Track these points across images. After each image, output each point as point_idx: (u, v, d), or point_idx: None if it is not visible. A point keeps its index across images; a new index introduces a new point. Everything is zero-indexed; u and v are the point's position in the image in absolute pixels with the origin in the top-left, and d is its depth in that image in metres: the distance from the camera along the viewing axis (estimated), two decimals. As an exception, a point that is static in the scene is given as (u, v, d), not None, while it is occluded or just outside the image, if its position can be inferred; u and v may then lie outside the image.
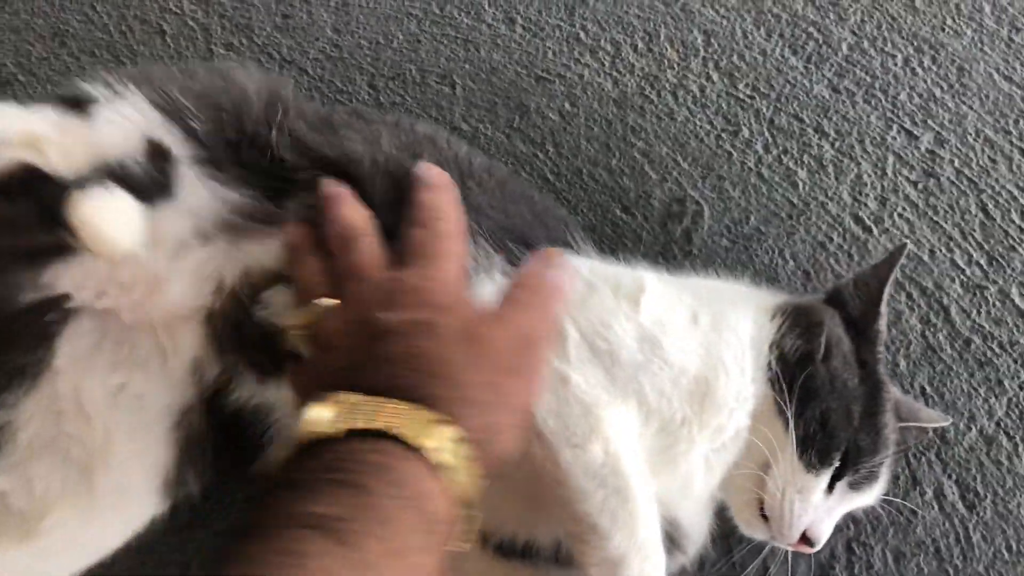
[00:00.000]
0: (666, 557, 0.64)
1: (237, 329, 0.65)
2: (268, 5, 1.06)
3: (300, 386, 0.59)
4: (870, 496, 0.71)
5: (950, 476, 0.82)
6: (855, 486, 0.68)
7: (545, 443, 0.60)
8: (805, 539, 0.66)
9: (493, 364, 0.54)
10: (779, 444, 0.66)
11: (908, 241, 0.91)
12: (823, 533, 0.67)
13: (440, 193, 0.63)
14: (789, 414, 0.66)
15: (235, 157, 0.68)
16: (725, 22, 1.05)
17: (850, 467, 0.67)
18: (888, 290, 0.73)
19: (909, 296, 0.89)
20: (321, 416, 0.48)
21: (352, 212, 0.63)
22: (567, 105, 1.00)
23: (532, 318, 0.58)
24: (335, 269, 0.61)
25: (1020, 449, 0.83)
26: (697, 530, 0.71)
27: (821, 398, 0.67)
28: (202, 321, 0.66)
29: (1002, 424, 0.84)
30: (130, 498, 0.66)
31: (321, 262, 0.62)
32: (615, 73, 1.02)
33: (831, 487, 0.68)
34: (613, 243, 0.93)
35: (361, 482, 0.45)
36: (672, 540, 0.68)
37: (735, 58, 1.02)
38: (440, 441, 0.48)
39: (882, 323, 0.73)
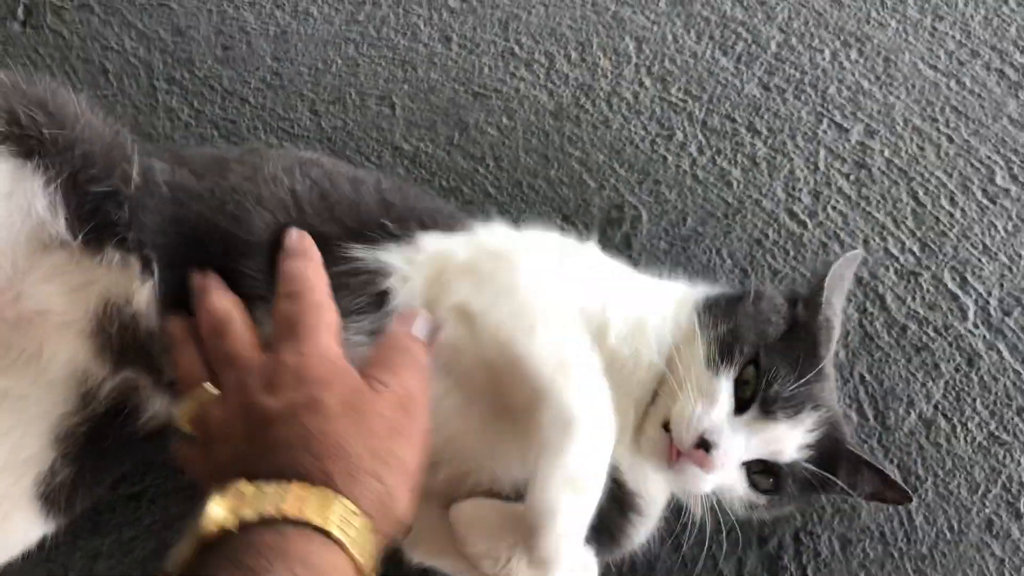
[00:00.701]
0: (627, 520, 0.68)
1: (135, 346, 0.66)
2: (208, 38, 1.07)
3: (195, 474, 0.61)
4: (789, 436, 0.67)
5: (892, 461, 0.84)
6: (768, 411, 0.66)
7: (502, 337, 0.64)
8: (703, 444, 0.64)
9: (380, 431, 0.55)
10: (692, 359, 0.68)
11: (841, 232, 0.93)
12: (724, 445, 0.64)
13: (305, 260, 0.64)
14: (703, 331, 0.69)
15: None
16: (656, 27, 1.07)
17: (762, 384, 0.66)
18: (833, 284, 0.73)
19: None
20: (219, 511, 0.49)
21: (220, 299, 0.64)
22: (505, 119, 1.01)
23: (407, 378, 0.60)
24: (212, 357, 0.62)
25: (958, 430, 0.85)
26: (646, 488, 0.72)
27: (738, 319, 0.70)
28: (84, 333, 0.66)
29: (940, 407, 0.86)
30: (7, 507, 0.66)
31: (200, 352, 0.63)
32: (550, 85, 1.03)
33: (743, 408, 0.67)
34: (555, 252, 0.94)
35: (268, 569, 0.46)
36: (622, 501, 0.70)
37: (667, 63, 1.04)
38: (341, 517, 0.50)
39: (827, 305, 0.72)
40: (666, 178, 0.98)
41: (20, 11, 1.06)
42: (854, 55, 1.04)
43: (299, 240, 0.66)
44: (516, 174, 0.99)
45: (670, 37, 1.06)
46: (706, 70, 1.03)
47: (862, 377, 0.87)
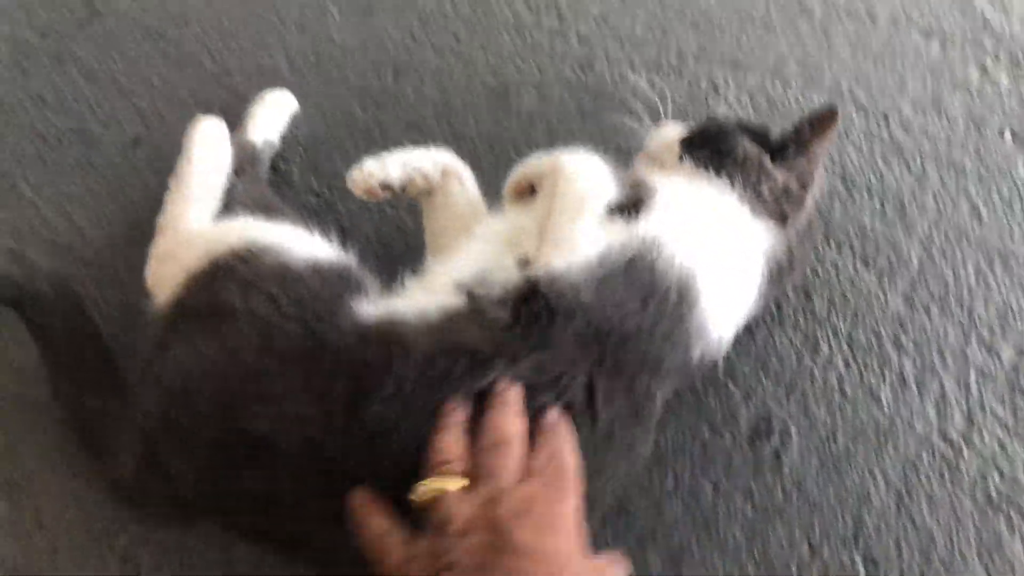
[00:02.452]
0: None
1: None
2: (367, 235, 1.14)
3: (409, 559, 0.64)
4: None
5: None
6: None
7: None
8: None
9: None
10: None
11: (1000, 460, 0.92)
12: None
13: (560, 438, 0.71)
14: None
15: None
16: (797, 238, 1.10)
17: None
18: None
19: (1008, 519, 0.90)
20: None
21: (514, 420, 0.70)
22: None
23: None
24: (477, 461, 0.68)
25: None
26: None
27: None
28: None
29: None
30: None
31: (466, 446, 0.69)
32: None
33: None
34: (704, 463, 0.96)
35: None
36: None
37: (808, 274, 1.06)
38: None
39: None
40: (813, 392, 0.99)
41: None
42: (999, 271, 1.05)
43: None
44: (662, 381, 1.01)
45: (811, 248, 1.09)
46: (848, 282, 1.05)
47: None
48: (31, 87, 1.27)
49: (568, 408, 0.74)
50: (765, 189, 0.89)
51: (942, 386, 0.98)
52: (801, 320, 1.04)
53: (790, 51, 1.16)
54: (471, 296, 0.79)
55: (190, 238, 0.94)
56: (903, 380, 0.99)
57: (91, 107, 1.25)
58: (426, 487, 0.66)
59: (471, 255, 0.86)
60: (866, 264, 1.07)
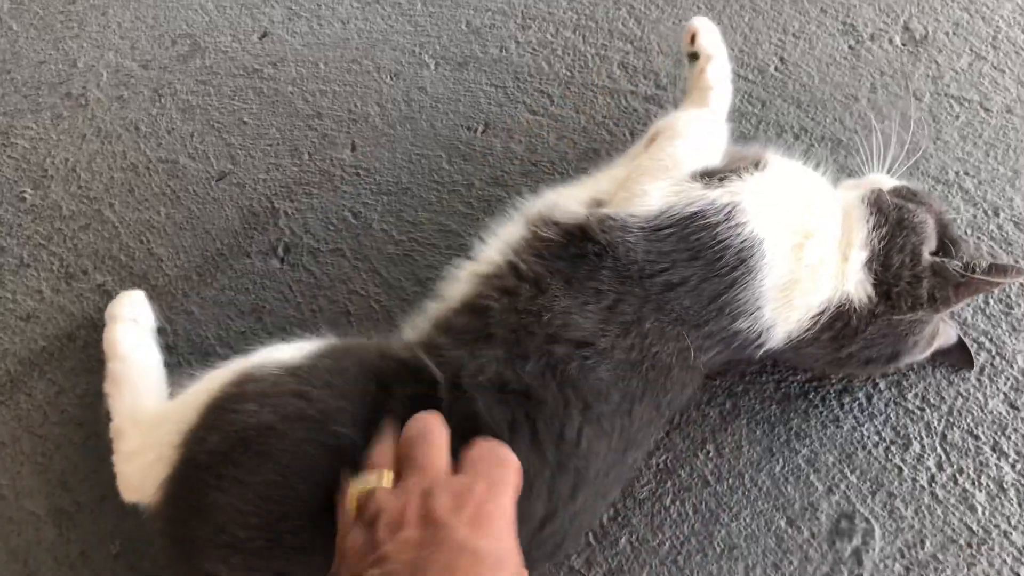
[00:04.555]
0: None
1: None
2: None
3: (351, 560, 0.61)
4: None
5: None
6: None
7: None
8: None
9: None
10: None
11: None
12: None
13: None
14: None
15: None
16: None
17: None
18: None
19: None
20: None
21: (428, 414, 0.71)
22: (728, 403, 1.00)
23: None
24: (401, 453, 0.68)
25: None
26: None
27: None
28: None
29: None
30: None
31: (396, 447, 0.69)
32: (777, 374, 1.02)
33: None
34: (778, 557, 0.90)
35: None
36: None
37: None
38: None
39: None
40: (901, 492, 0.93)
41: (281, 248, 1.15)
42: (1111, 381, 0.98)
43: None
44: (738, 464, 0.96)
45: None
46: (945, 378, 1.00)
47: None
48: (127, 116, 1.30)
49: (626, 330, 0.80)
50: (897, 260, 0.86)
51: (1044, 498, 0.91)
52: (892, 414, 0.98)
53: (895, 134, 1.12)
54: (534, 223, 0.87)
55: (159, 419, 0.86)
56: (1002, 488, 0.92)
57: (182, 139, 1.26)
58: (355, 487, 0.65)
59: (561, 193, 0.92)
60: (965, 360, 1.01)
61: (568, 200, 0.89)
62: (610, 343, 0.80)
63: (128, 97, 1.32)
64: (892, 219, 0.87)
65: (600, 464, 0.81)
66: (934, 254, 0.87)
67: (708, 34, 1.05)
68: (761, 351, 0.88)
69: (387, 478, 0.66)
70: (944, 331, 0.93)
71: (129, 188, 1.22)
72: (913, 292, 0.85)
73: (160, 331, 1.07)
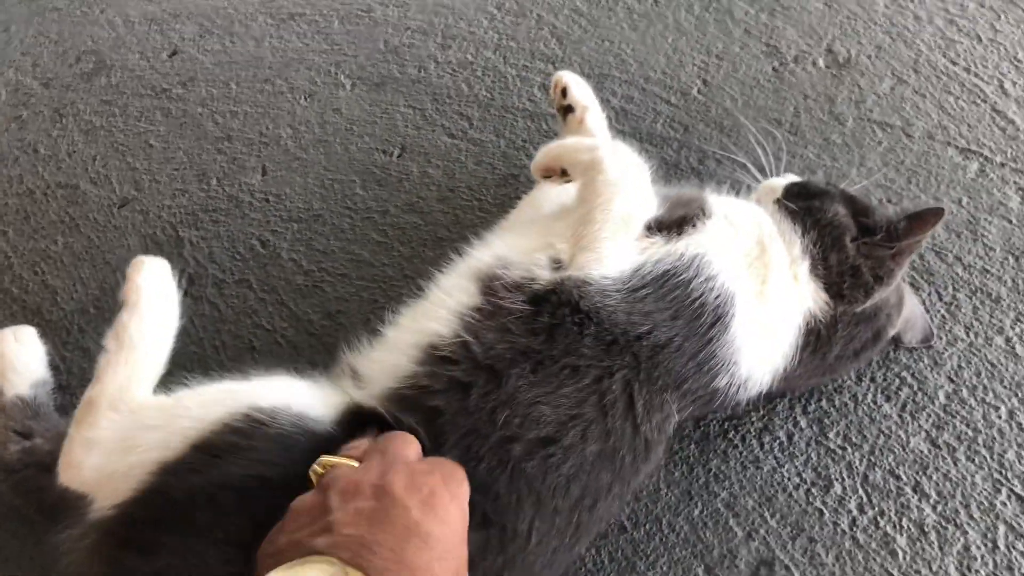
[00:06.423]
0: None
1: None
2: (355, 324, 1.07)
3: (298, 523, 0.59)
4: None
5: None
6: None
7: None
8: None
9: None
10: None
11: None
12: None
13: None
14: None
15: None
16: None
17: None
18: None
19: None
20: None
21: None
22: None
23: None
24: (371, 445, 0.68)
25: None
26: None
27: None
28: None
29: None
30: None
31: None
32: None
33: None
34: (694, 608, 0.86)
35: None
36: None
37: (823, 403, 0.98)
38: None
39: None
40: (822, 536, 0.90)
41: (184, 280, 1.09)
42: (1034, 417, 0.96)
43: None
44: (656, 509, 0.92)
45: (828, 373, 1.01)
46: (867, 415, 0.97)
47: None
48: (25, 137, 1.23)
49: (605, 411, 0.77)
50: (833, 259, 0.87)
51: (966, 540, 0.88)
52: (813, 454, 0.95)
53: (818, 159, 1.09)
54: (487, 286, 0.81)
55: (147, 418, 0.79)
56: (922, 530, 0.89)
57: (84, 163, 1.20)
58: (318, 462, 0.65)
59: (497, 245, 0.87)
60: (887, 397, 0.98)
61: (520, 255, 0.84)
62: (580, 435, 0.76)
63: (27, 117, 1.26)
64: (809, 222, 0.89)
65: (548, 557, 0.77)
66: (856, 238, 0.88)
67: (578, 88, 1.05)
68: (741, 404, 0.88)
69: (353, 463, 0.65)
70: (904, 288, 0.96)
71: (24, 215, 1.16)
72: (859, 282, 0.87)
73: (53, 368, 1.00)
